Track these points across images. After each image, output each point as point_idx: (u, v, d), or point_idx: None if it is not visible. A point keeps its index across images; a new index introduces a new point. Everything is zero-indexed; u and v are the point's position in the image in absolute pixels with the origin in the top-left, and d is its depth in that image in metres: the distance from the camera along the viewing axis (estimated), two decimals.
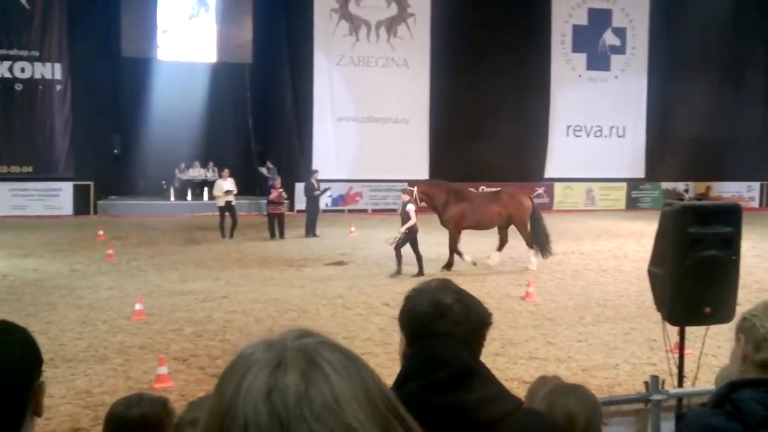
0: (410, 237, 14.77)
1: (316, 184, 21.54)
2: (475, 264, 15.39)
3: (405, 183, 26.98)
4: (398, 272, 14.59)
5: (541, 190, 30.21)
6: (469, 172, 28.53)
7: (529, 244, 15.79)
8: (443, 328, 1.90)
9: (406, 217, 14.81)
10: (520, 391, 2.96)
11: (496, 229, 16.05)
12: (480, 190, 29.15)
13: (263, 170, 25.69)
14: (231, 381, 0.88)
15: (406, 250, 14.75)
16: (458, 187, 16.85)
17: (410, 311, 1.97)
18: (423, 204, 15.53)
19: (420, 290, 2.01)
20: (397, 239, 14.82)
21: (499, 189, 17.93)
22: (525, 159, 29.84)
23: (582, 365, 8.88)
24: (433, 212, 16.12)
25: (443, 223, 15.83)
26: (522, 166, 29.60)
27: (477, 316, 1.96)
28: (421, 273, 14.39)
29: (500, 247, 15.99)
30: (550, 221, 25.17)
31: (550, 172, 30.70)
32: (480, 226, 16.05)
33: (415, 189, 15.43)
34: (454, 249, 15.53)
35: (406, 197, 15.04)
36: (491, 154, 28.25)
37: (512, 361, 8.84)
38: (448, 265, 15.36)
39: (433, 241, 16.23)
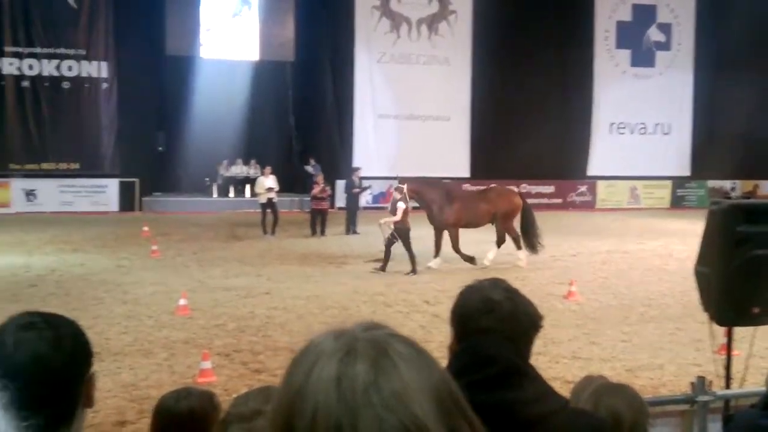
0: (401, 235, 14.78)
1: (357, 182, 21.58)
2: (429, 268, 15.24)
3: (446, 180, 27.09)
4: (382, 269, 14.64)
5: (583, 188, 29.96)
6: (510, 170, 28.39)
7: (498, 243, 15.72)
8: (489, 324, 1.92)
9: (393, 211, 14.98)
10: (562, 391, 2.94)
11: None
12: (521, 187, 29.10)
13: (309, 168, 25.82)
14: (301, 367, 0.91)
15: (399, 249, 14.83)
16: (450, 187, 16.85)
17: (460, 306, 2.01)
18: (413, 202, 15.54)
19: (472, 287, 2.04)
20: (385, 231, 14.94)
21: (488, 187, 17.78)
22: (567, 156, 29.55)
23: (626, 365, 8.78)
24: (423, 210, 16.08)
25: (439, 223, 15.68)
26: (564, 163, 29.33)
27: (525, 315, 1.97)
28: (413, 271, 14.52)
29: (518, 245, 15.80)
30: (593, 219, 25.10)
31: (593, 169, 30.38)
32: (471, 224, 16.00)
33: (405, 186, 15.45)
34: (457, 248, 15.50)
35: (398, 195, 15.09)
36: (533, 152, 28.03)
37: (554, 360, 8.78)
38: (470, 260, 15.33)
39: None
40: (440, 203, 15.66)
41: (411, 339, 0.95)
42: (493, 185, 18.28)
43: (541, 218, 24.92)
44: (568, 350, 9.31)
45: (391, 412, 0.85)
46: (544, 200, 29.37)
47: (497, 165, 28.34)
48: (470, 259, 15.37)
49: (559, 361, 8.80)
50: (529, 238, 15.59)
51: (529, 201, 28.44)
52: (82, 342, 1.73)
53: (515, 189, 18.52)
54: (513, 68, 28.21)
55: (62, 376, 1.63)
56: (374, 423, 0.84)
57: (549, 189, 29.56)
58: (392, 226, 14.85)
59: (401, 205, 14.86)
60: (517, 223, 15.97)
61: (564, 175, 29.48)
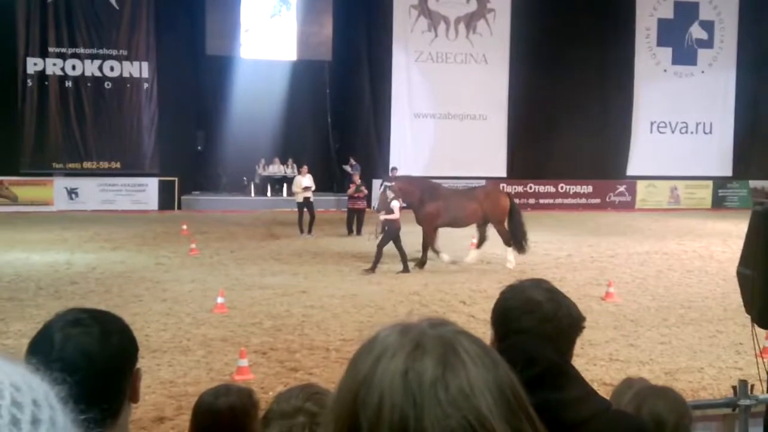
0: (392, 235, 14.84)
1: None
2: (454, 262, 15.33)
3: (483, 180, 27.01)
4: (372, 270, 14.60)
5: (623, 188, 29.63)
6: (548, 170, 28.24)
7: (507, 243, 15.52)
8: (530, 324, 1.91)
9: (389, 211, 14.99)
10: (600, 393, 2.92)
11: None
12: (559, 187, 28.90)
13: (347, 168, 25.90)
14: (367, 359, 0.92)
15: (389, 248, 14.84)
16: (433, 184, 16.64)
17: (501, 306, 2.00)
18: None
19: (514, 287, 2.04)
20: (378, 232, 15.00)
21: (476, 186, 17.58)
22: (606, 156, 29.27)
23: (665, 368, 8.67)
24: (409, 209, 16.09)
25: (418, 220, 15.73)
26: (604, 163, 29.07)
27: (567, 317, 1.95)
28: (405, 270, 14.60)
29: (479, 245, 15.79)
30: (632, 220, 24.82)
31: (632, 169, 30.02)
32: (456, 223, 15.91)
33: (390, 186, 15.42)
34: (427, 247, 15.46)
35: (391, 194, 15.12)
36: (571, 151, 27.83)
37: (592, 362, 8.70)
38: (421, 263, 15.30)
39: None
40: (420, 199, 15.62)
41: (478, 337, 0.95)
42: (482, 184, 18.10)
43: (579, 218, 24.91)
44: (606, 352, 9.21)
45: (456, 408, 0.85)
46: (582, 200, 29.15)
47: (535, 164, 28.19)
48: (422, 263, 15.28)
49: (596, 362, 8.72)
50: (517, 237, 15.43)
51: (567, 201, 28.66)
52: (129, 338, 1.77)
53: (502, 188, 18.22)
54: (551, 66, 27.98)
55: (109, 371, 1.66)
56: (439, 418, 0.85)
57: (587, 189, 29.30)
58: (383, 220, 15.06)
59: (396, 204, 15.02)
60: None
61: (603, 174, 29.20)
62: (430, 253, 15.54)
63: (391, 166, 24.01)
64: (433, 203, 15.61)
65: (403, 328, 0.94)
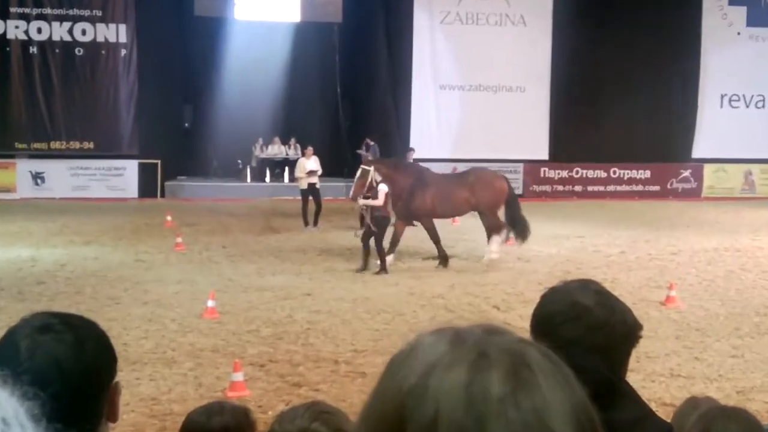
0: (385, 223, 14.89)
1: None
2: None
3: (520, 163, 26.98)
4: (383, 270, 14.54)
5: (687, 173, 29.50)
6: (598, 152, 28.13)
7: (496, 231, 15.44)
8: (576, 333, 1.90)
9: (374, 196, 14.89)
10: (659, 415, 2.91)
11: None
12: (612, 172, 28.80)
13: (362, 151, 25.84)
14: (414, 365, 0.91)
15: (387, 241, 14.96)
16: (420, 169, 16.57)
17: (542, 312, 1.99)
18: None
19: (557, 289, 2.03)
20: (366, 224, 15.07)
21: (467, 170, 17.43)
22: (668, 135, 29.11)
23: (736, 386, 8.64)
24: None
25: (410, 214, 15.64)
26: (664, 143, 28.91)
27: (621, 324, 1.94)
28: (363, 268, 14.61)
29: (498, 235, 15.68)
30: (698, 211, 24.70)
31: (699, 151, 29.88)
32: (446, 214, 15.97)
33: (371, 168, 15.29)
34: (439, 240, 15.43)
35: (378, 177, 15.05)
36: (626, 130, 27.72)
37: (650, 378, 8.68)
38: (444, 260, 15.28)
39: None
40: (412, 189, 15.53)
41: (546, 349, 0.95)
42: (472, 168, 18.02)
43: (635, 209, 24.82)
44: (666, 367, 9.19)
45: (527, 430, 0.85)
46: (639, 187, 29.07)
47: (582, 145, 28.07)
48: (444, 260, 15.28)
49: (654, 379, 8.70)
50: (518, 226, 15.38)
51: (621, 188, 28.55)
52: (106, 346, 1.77)
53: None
54: (602, 29, 27.84)
55: (85, 385, 1.67)
56: None
57: (645, 174, 29.19)
58: (363, 207, 15.03)
59: (383, 188, 14.91)
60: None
61: (663, 157, 29.06)
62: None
63: (409, 147, 23.96)
64: (427, 192, 15.56)
65: (455, 334, 0.94)
